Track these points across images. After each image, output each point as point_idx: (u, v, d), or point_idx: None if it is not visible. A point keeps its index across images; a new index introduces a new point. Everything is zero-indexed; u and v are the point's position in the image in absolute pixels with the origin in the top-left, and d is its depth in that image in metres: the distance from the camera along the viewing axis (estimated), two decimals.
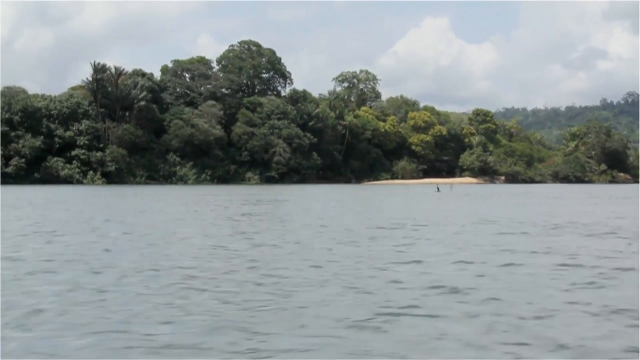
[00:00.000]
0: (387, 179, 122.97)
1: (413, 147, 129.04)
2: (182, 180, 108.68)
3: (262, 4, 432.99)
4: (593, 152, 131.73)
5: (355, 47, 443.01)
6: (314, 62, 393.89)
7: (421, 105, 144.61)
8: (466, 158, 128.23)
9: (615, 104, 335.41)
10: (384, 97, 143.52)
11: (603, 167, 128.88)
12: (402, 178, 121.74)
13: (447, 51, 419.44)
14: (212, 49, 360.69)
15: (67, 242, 15.90)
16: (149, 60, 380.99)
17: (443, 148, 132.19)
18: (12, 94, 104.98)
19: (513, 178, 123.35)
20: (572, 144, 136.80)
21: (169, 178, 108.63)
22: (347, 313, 7.99)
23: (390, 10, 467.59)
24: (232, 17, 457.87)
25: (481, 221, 23.25)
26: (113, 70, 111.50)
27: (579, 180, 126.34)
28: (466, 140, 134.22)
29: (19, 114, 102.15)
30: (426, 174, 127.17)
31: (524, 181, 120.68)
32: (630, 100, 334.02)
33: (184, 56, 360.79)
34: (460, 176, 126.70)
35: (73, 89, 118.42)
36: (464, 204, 39.68)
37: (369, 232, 18.80)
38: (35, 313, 7.97)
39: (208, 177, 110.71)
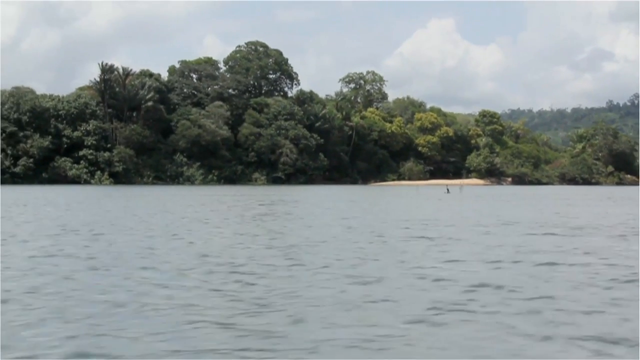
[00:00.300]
0: (393, 180, 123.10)
1: (419, 149, 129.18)
2: (189, 180, 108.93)
3: (268, 4, 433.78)
4: (600, 154, 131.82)
5: (361, 48, 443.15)
6: (319, 63, 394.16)
7: (427, 106, 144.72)
8: (473, 159, 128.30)
9: (621, 105, 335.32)
10: (390, 98, 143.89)
11: (610, 169, 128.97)
12: (410, 179, 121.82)
13: (453, 52, 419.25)
14: (217, 50, 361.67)
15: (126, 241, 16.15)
16: (155, 60, 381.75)
17: (449, 149, 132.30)
18: (21, 94, 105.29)
19: (520, 179, 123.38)
20: (580, 146, 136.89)
21: (176, 178, 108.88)
22: (408, 309, 8.23)
23: (395, 11, 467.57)
24: (238, 18, 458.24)
25: (504, 222, 23.45)
26: (121, 70, 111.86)
27: (586, 182, 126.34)
28: (473, 141, 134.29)
29: (27, 114, 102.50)
30: (433, 175, 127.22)
31: (531, 183, 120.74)
32: (636, 102, 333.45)
33: (189, 57, 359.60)
34: (467, 177, 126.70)
35: (81, 89, 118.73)
36: (479, 205, 39.86)
37: (400, 232, 19.03)
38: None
39: (215, 178, 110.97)
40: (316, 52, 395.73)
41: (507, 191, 77.44)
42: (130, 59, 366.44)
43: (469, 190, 75.80)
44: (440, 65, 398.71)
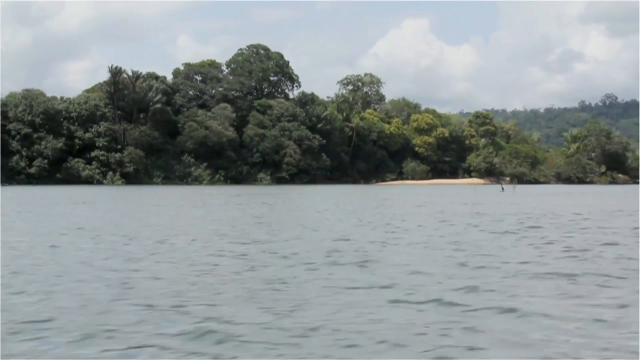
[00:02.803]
0: (392, 179, 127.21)
1: (416, 149, 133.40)
2: (197, 180, 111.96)
3: (244, 5, 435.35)
4: (593, 154, 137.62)
5: (336, 47, 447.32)
6: (295, 63, 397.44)
7: (422, 107, 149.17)
8: (473, 159, 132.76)
9: (593, 105, 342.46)
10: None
11: (603, 168, 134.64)
12: (412, 179, 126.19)
13: (427, 52, 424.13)
14: (191, 50, 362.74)
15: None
16: (129, 60, 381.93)
17: (445, 149, 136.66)
18: (33, 97, 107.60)
19: (518, 179, 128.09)
20: (574, 146, 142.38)
21: (184, 179, 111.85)
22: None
23: (370, 10, 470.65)
24: (213, 18, 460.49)
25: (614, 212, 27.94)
26: (130, 73, 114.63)
27: (581, 181, 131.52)
28: (467, 142, 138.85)
29: (40, 116, 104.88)
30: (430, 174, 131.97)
31: (529, 182, 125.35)
32: (608, 102, 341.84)
33: (163, 56, 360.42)
34: (463, 177, 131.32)
35: (87, 91, 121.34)
36: (559, 201, 44.36)
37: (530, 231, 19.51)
38: None
39: (222, 178, 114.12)
40: (292, 52, 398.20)
41: (548, 189, 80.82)
42: (103, 59, 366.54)
43: (521, 189, 79.97)
44: (415, 66, 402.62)
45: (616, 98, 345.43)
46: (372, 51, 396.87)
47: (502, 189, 74.78)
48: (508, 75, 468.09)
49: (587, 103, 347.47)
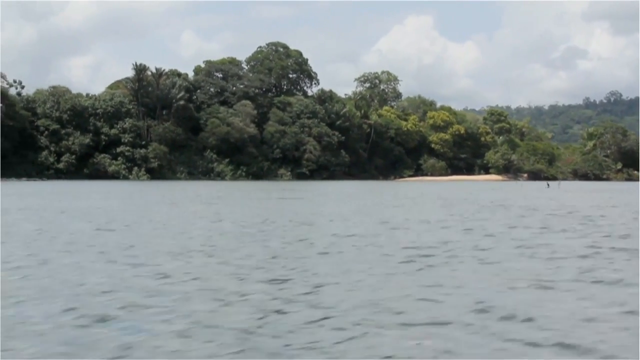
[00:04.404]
0: (409, 175, 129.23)
1: (432, 145, 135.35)
2: (220, 176, 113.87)
3: (246, 2, 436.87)
4: (609, 151, 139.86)
5: (339, 44, 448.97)
6: None
7: (438, 105, 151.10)
8: (491, 156, 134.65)
9: (597, 102, 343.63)
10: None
11: (619, 165, 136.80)
12: (432, 175, 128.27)
13: (431, 49, 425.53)
14: (194, 46, 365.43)
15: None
16: (131, 56, 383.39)
17: (461, 146, 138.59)
18: (60, 93, 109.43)
19: (535, 175, 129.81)
20: (590, 144, 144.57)
21: (207, 174, 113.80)
22: None
23: (373, 7, 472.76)
24: (214, 15, 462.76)
25: None
26: (154, 70, 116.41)
27: (597, 178, 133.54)
28: (482, 139, 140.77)
29: (68, 112, 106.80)
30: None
31: (546, 178, 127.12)
32: (612, 99, 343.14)
33: (165, 52, 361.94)
34: (479, 173, 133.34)
35: (110, 87, 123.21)
36: (612, 197, 46.52)
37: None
38: None
39: (243, 174, 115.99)
40: (294, 49, 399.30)
41: (588, 186, 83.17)
42: (107, 55, 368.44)
43: (566, 186, 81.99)
44: (418, 62, 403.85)
45: (620, 95, 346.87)
46: (375, 48, 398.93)
47: (548, 185, 77.50)
48: (511, 72, 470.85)
49: (592, 100, 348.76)
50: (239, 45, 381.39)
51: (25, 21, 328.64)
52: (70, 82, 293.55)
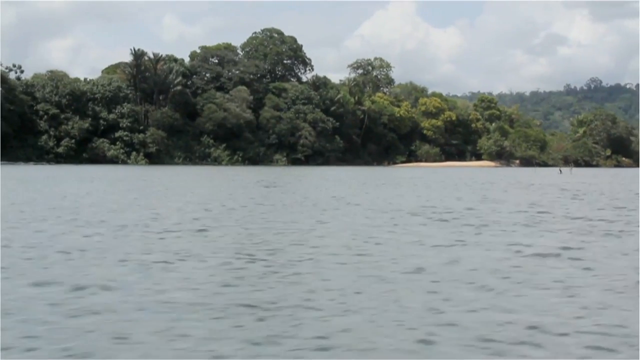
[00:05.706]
0: (402, 161, 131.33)
1: (425, 132, 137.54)
2: (216, 161, 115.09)
3: None
4: (599, 138, 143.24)
5: (321, 28, 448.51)
6: None
7: (429, 91, 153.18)
8: (484, 142, 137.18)
9: (578, 89, 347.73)
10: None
11: (608, 152, 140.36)
12: (426, 161, 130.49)
13: (413, 35, 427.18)
14: (176, 30, 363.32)
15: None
16: (112, 39, 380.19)
17: (452, 133, 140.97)
18: (58, 78, 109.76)
19: (527, 162, 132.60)
20: (581, 130, 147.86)
21: (204, 159, 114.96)
22: None
23: None
24: None
25: None
26: (151, 56, 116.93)
27: (587, 164, 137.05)
28: (473, 125, 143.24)
29: (67, 97, 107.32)
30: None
31: (538, 165, 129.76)
32: (592, 86, 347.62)
33: (147, 36, 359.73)
34: (471, 159, 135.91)
35: (107, 71, 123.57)
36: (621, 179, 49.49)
37: None
38: None
39: (240, 159, 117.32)
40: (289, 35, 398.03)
41: (595, 172, 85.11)
42: (87, 38, 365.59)
43: (577, 171, 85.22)
44: (400, 47, 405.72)
45: (601, 82, 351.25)
46: (358, 33, 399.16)
47: (560, 171, 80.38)
48: (493, 58, 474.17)
49: (572, 87, 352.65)
50: (223, 29, 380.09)
51: (4, 3, 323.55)
52: (50, 65, 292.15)
